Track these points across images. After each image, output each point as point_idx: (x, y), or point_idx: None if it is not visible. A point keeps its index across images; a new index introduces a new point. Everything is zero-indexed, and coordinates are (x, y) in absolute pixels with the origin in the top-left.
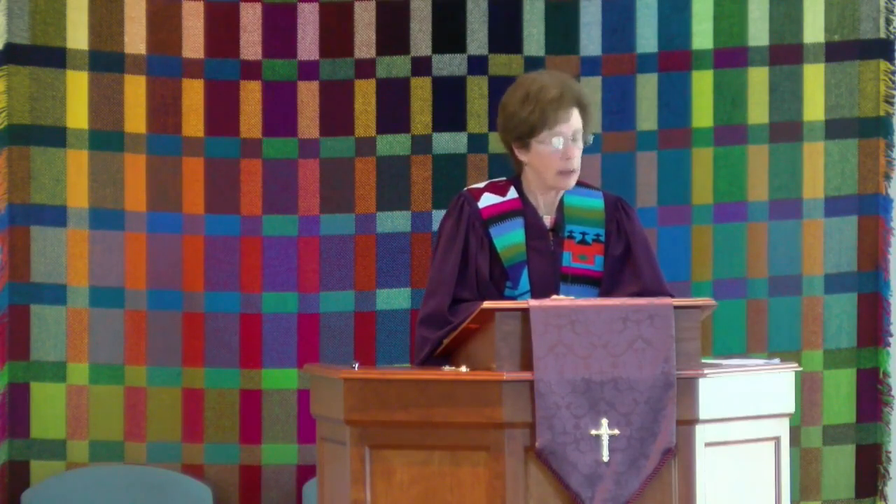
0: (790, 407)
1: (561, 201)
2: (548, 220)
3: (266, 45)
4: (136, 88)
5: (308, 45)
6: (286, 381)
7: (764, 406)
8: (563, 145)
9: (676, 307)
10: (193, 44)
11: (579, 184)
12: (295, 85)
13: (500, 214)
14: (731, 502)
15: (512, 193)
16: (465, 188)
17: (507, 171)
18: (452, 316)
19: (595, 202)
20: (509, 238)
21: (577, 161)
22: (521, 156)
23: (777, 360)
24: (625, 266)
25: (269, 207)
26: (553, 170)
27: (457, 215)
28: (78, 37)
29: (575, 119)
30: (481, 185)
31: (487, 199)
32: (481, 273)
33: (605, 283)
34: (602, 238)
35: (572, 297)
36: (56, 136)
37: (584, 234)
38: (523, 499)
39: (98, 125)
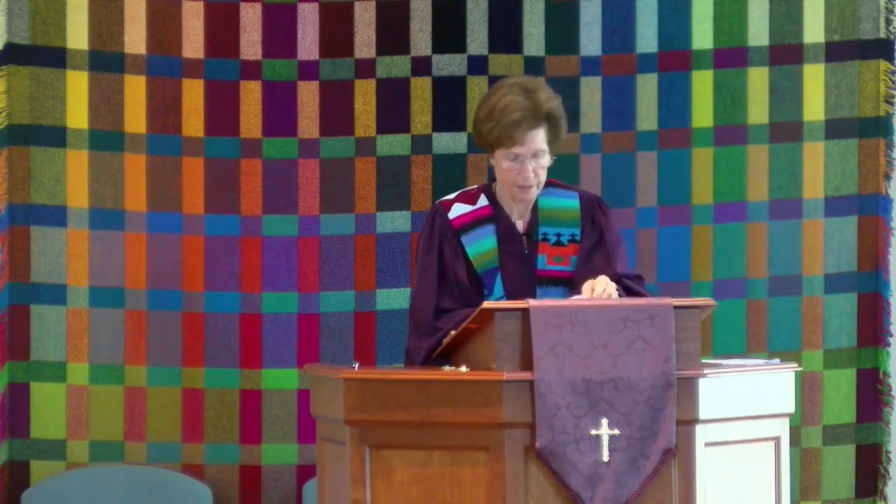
0: (790, 407)
1: (535, 204)
2: (521, 225)
3: (266, 45)
4: (136, 88)
5: (308, 45)
6: (286, 381)
7: (764, 406)
8: (519, 164)
9: (676, 307)
10: (193, 44)
11: (554, 185)
12: (295, 85)
13: (471, 223)
14: (731, 502)
15: (482, 201)
16: (438, 201)
17: None
18: (439, 324)
19: (570, 203)
20: (481, 245)
21: (535, 177)
22: (491, 160)
23: (777, 360)
24: (594, 254)
25: (269, 207)
26: (509, 184)
27: (429, 229)
28: (78, 37)
29: (536, 140)
30: (452, 195)
31: (457, 210)
32: (460, 280)
33: (576, 274)
34: (578, 238)
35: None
36: (56, 136)
37: (558, 235)
38: (523, 499)
39: (98, 125)
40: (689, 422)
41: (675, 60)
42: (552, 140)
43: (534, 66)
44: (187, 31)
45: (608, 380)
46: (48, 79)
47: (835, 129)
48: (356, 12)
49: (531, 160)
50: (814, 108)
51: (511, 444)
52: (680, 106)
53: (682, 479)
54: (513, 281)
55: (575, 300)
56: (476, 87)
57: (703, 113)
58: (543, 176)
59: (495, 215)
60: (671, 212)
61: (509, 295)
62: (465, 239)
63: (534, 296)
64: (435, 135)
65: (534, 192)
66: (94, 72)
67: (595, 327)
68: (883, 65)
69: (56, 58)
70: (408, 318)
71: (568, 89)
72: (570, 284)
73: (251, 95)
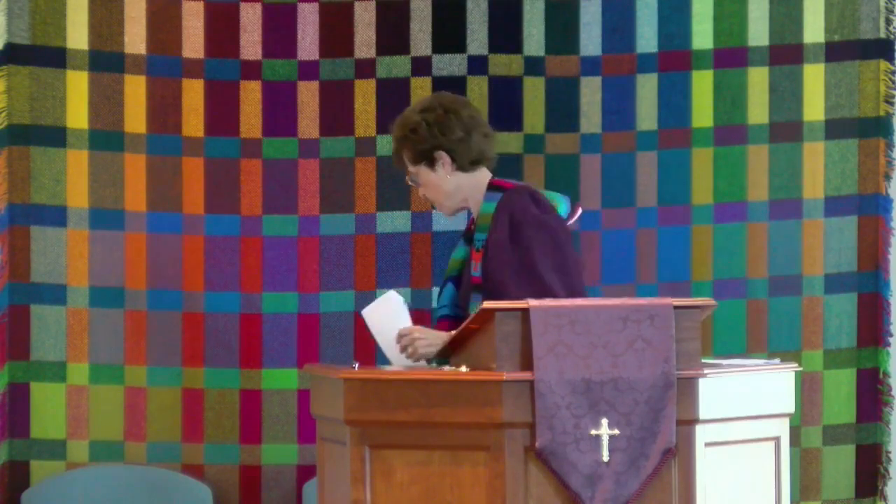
0: (790, 407)
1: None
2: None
3: (266, 45)
4: (136, 88)
5: (308, 45)
6: (286, 381)
7: (764, 406)
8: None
9: (676, 307)
10: (193, 44)
11: (495, 187)
12: (295, 85)
13: (463, 234)
14: (731, 502)
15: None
16: None
17: (507, 173)
18: None
19: (489, 206)
20: (454, 253)
21: (429, 195)
22: None
23: (777, 360)
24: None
25: (269, 207)
26: None
27: None
28: (78, 37)
29: (404, 165)
30: None
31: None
32: None
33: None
34: (486, 243)
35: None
36: (56, 136)
37: (479, 240)
38: (523, 499)
39: (98, 125)
40: (689, 422)
41: (675, 60)
42: (416, 158)
43: (534, 66)
44: (187, 31)
45: (608, 380)
46: (48, 79)
47: (835, 129)
48: (356, 12)
49: (412, 179)
50: (814, 108)
51: (511, 443)
52: (680, 106)
53: (682, 479)
54: (463, 289)
55: (575, 301)
56: (476, 87)
57: (703, 113)
58: (435, 195)
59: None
60: (671, 212)
61: (457, 303)
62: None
63: (468, 304)
64: None
65: (444, 210)
66: (94, 72)
67: (595, 327)
68: (883, 65)
69: (56, 58)
70: None
71: (568, 89)
72: (482, 291)
73: (251, 95)
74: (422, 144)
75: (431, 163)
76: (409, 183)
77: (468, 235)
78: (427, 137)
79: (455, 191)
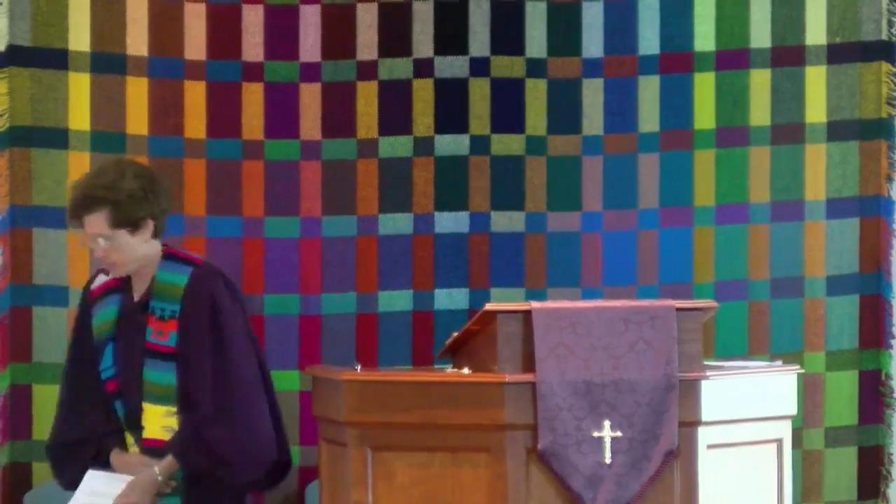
0: (792, 409)
1: (154, 277)
2: (137, 296)
3: (268, 46)
4: (137, 90)
5: (310, 46)
6: (288, 382)
7: (766, 408)
8: (91, 243)
9: (678, 309)
10: (195, 45)
11: (176, 258)
12: (297, 87)
13: (102, 293)
14: None
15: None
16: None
17: (508, 174)
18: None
19: (179, 278)
20: (102, 315)
21: (109, 257)
22: None
23: (779, 363)
24: (181, 349)
25: (271, 209)
26: None
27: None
28: (80, 38)
29: (91, 224)
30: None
31: (98, 280)
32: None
33: (178, 351)
34: (177, 314)
35: None
36: (58, 138)
37: (163, 309)
38: (525, 500)
39: (100, 127)
40: (691, 424)
41: (676, 62)
42: (122, 222)
43: (536, 67)
44: (189, 32)
45: (609, 381)
46: (50, 80)
47: (836, 131)
48: (358, 14)
49: (99, 240)
50: (815, 110)
51: (512, 445)
52: (682, 108)
53: (684, 481)
54: (126, 351)
55: (577, 303)
56: (478, 89)
57: (705, 115)
58: (119, 256)
59: (122, 286)
60: (673, 213)
61: (120, 365)
62: (94, 310)
63: (142, 368)
64: (437, 137)
65: (119, 270)
66: (95, 73)
67: (596, 329)
68: (885, 67)
69: (58, 60)
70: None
71: (570, 91)
72: (172, 360)
73: (253, 97)
74: (137, 211)
75: (135, 229)
76: (86, 244)
77: (127, 298)
78: (143, 205)
79: (142, 257)
